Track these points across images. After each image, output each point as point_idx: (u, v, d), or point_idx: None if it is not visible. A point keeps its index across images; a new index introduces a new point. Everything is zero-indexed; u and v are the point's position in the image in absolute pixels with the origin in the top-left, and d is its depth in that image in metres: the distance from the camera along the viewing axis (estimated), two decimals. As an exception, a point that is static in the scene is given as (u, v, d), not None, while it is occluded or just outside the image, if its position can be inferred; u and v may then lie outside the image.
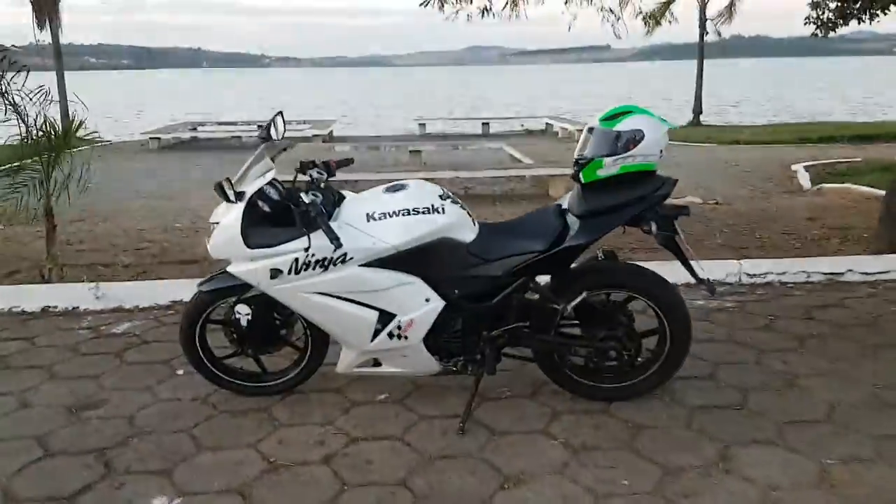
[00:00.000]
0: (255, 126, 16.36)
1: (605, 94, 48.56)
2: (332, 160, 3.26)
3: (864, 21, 11.65)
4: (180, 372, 3.73)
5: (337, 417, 3.22)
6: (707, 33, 23.58)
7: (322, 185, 3.07)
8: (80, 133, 5.53)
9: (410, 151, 12.61)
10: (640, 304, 3.23)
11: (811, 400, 3.30)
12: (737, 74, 78.93)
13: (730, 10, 23.25)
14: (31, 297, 4.90)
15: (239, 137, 18.10)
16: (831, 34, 10.40)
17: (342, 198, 3.14)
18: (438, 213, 3.00)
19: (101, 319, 4.62)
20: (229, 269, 3.08)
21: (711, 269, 5.05)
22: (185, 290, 4.50)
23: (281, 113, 3.18)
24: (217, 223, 3.05)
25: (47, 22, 20.40)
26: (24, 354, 4.08)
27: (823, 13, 11.49)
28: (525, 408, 3.27)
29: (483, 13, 6.94)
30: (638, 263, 3.36)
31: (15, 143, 5.40)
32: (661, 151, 2.93)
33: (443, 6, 6.75)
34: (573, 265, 3.16)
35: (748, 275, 5.17)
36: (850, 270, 5.20)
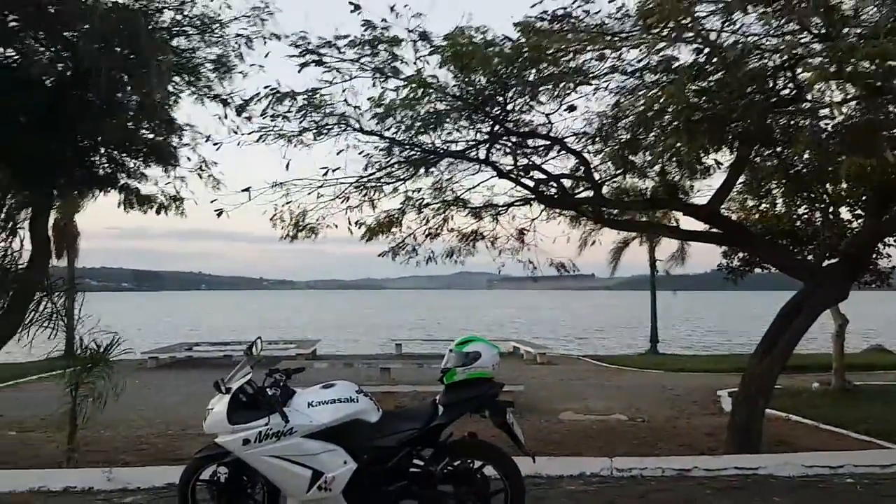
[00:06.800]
0: (244, 346, 17.82)
1: (576, 322, 51.79)
2: (291, 368, 4.92)
3: (767, 269, 13.83)
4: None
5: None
6: (658, 272, 26.58)
7: (281, 384, 4.70)
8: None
9: (381, 369, 14.27)
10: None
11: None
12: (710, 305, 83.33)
13: (681, 254, 26.40)
14: (55, 479, 6.31)
15: (229, 356, 18.95)
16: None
17: (293, 392, 4.78)
18: (354, 402, 4.65)
19: (112, 496, 6.00)
20: (216, 440, 4.64)
21: (587, 465, 6.62)
22: (177, 474, 5.55)
23: (260, 337, 4.94)
24: (211, 409, 4.68)
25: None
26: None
27: (732, 261, 13.77)
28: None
29: (427, 261, 8.99)
30: (488, 441, 4.91)
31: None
32: (493, 365, 4.68)
33: (395, 257, 8.83)
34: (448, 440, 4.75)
35: (618, 469, 6.66)
36: (696, 467, 6.70)
